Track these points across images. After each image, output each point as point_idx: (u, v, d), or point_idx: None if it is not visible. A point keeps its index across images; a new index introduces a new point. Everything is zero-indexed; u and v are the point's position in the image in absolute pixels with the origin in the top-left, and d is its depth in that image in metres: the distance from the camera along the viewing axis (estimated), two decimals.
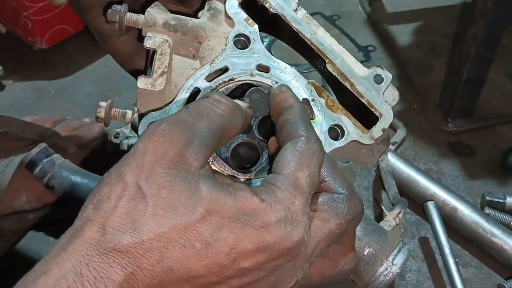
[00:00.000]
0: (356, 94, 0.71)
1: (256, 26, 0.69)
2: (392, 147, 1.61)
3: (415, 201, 1.52)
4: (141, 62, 0.82)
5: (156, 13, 0.69)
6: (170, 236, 0.47)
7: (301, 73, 0.70)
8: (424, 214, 1.48)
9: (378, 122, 0.70)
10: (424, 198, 1.49)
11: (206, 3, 0.71)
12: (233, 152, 0.67)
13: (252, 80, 0.67)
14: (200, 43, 0.69)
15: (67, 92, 1.95)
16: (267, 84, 0.67)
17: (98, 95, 1.90)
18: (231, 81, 0.67)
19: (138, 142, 0.52)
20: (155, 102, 0.67)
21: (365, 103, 0.71)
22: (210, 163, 0.64)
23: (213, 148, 0.55)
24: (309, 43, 0.72)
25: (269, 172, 0.58)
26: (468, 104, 1.74)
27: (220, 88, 0.67)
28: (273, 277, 0.52)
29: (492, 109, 1.81)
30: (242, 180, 0.65)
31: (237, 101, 0.62)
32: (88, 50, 2.02)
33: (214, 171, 0.64)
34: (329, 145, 0.68)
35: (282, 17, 0.72)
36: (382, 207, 1.42)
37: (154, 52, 0.67)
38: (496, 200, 1.50)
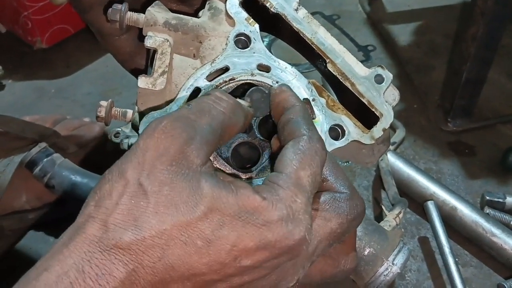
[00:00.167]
0: (356, 94, 0.71)
1: (256, 26, 0.69)
2: (391, 147, 1.61)
3: (415, 200, 1.52)
4: (141, 61, 0.81)
5: (157, 12, 0.69)
6: (171, 233, 0.47)
7: (301, 72, 0.70)
8: (424, 213, 1.48)
9: (378, 122, 0.70)
10: (424, 198, 1.49)
11: (207, 3, 0.71)
12: (234, 151, 0.67)
13: (253, 80, 0.67)
14: (201, 42, 0.69)
15: (67, 91, 1.95)
16: (268, 84, 0.67)
17: (98, 95, 1.90)
18: (232, 81, 0.66)
19: (139, 139, 0.52)
20: (155, 102, 0.67)
21: (366, 103, 0.71)
22: (212, 161, 0.64)
23: (214, 146, 0.54)
24: (309, 43, 0.72)
25: (271, 171, 0.58)
26: (468, 104, 1.74)
27: (220, 87, 0.66)
28: (274, 275, 0.52)
29: (492, 108, 1.81)
30: (243, 179, 0.65)
31: (238, 99, 0.62)
32: (88, 49, 2.02)
33: (217, 169, 0.64)
34: (330, 145, 0.68)
35: (283, 16, 0.72)
36: (383, 207, 1.42)
37: (155, 51, 0.67)
38: (496, 199, 1.50)
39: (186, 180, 0.49)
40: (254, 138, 0.67)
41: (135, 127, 0.69)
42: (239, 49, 0.68)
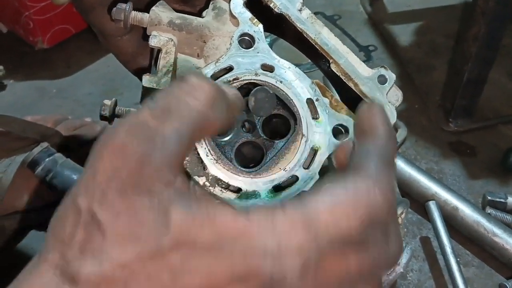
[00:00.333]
0: (360, 94, 0.71)
1: (260, 26, 0.69)
2: None
3: (417, 200, 1.52)
4: (144, 62, 0.81)
5: (161, 12, 0.69)
6: (134, 266, 0.42)
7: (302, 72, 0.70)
8: (425, 213, 1.48)
9: None
10: (426, 198, 1.49)
11: (211, 3, 0.72)
12: (237, 151, 0.67)
13: (257, 80, 0.67)
14: (205, 42, 0.69)
15: (68, 91, 1.94)
16: (272, 84, 0.67)
17: (99, 95, 1.90)
18: (236, 80, 0.67)
19: (89, 157, 0.45)
20: None
21: None
22: (215, 162, 0.64)
23: (183, 155, 0.47)
24: (313, 43, 0.72)
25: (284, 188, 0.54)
26: (469, 104, 1.74)
27: None
28: None
29: (493, 109, 1.81)
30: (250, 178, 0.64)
31: (223, 85, 0.53)
32: (89, 50, 2.02)
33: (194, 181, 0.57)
34: (334, 145, 0.68)
35: (287, 17, 0.72)
36: None
37: (159, 50, 0.68)
38: (498, 200, 1.50)
39: (147, 207, 0.42)
40: (258, 138, 0.68)
41: None
42: (243, 49, 0.68)
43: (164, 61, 0.67)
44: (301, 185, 0.65)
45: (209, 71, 0.67)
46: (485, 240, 1.42)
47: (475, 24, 1.58)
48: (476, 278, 1.40)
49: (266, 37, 0.70)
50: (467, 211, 1.45)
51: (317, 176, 0.65)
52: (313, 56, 0.74)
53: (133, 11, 0.70)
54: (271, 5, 0.72)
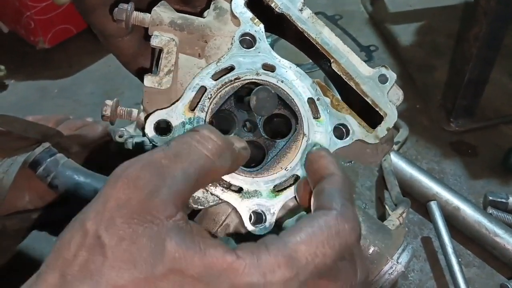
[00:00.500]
0: (361, 94, 0.71)
1: (261, 26, 0.69)
2: (395, 147, 1.61)
3: (418, 200, 1.52)
4: (145, 62, 0.82)
5: (163, 12, 0.69)
6: None
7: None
8: (426, 213, 1.48)
9: (383, 122, 0.70)
10: (427, 198, 1.49)
11: (212, 3, 0.72)
12: None
13: (258, 79, 0.67)
14: (206, 42, 0.69)
15: (70, 91, 1.95)
16: (273, 83, 0.67)
17: (100, 95, 1.90)
18: (237, 80, 0.67)
19: (104, 186, 0.49)
20: (161, 101, 0.67)
21: (370, 102, 0.71)
22: None
23: (188, 194, 0.51)
24: (314, 43, 0.72)
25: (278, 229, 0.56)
26: (471, 104, 1.74)
27: (226, 86, 0.67)
28: None
29: (494, 108, 1.81)
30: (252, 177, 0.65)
31: (233, 137, 0.59)
32: (90, 49, 2.02)
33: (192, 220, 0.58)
34: (334, 144, 0.68)
35: (288, 16, 0.72)
36: (386, 206, 1.42)
37: (161, 50, 0.68)
38: (499, 200, 1.50)
39: (148, 236, 0.46)
40: (259, 137, 0.68)
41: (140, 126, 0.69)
42: (244, 49, 0.68)
43: (165, 61, 0.67)
44: None
45: (210, 70, 0.67)
46: (486, 240, 1.42)
47: (477, 24, 1.58)
48: (477, 278, 1.40)
49: (267, 37, 0.70)
50: (468, 211, 1.45)
51: None
52: (314, 56, 0.74)
53: (134, 11, 0.70)
54: (272, 5, 0.72)
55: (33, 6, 1.88)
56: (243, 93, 0.68)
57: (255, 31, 0.69)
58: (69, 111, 1.79)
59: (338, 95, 0.72)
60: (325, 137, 0.68)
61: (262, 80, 0.67)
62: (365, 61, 0.73)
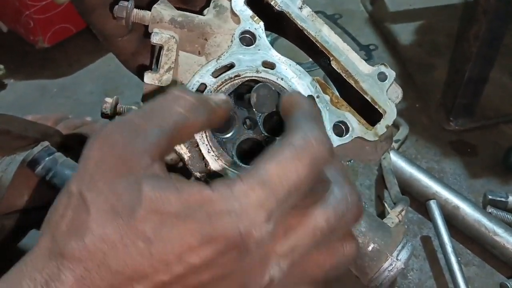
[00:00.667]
0: (360, 91, 0.71)
1: (261, 23, 0.70)
2: (395, 145, 1.61)
3: (417, 200, 1.52)
4: (144, 61, 0.82)
5: (163, 10, 0.69)
6: (112, 237, 0.47)
7: None
8: (426, 213, 1.48)
9: (382, 119, 0.71)
10: (426, 197, 1.49)
11: (212, 1, 0.72)
12: (239, 148, 0.67)
13: (258, 77, 0.67)
14: (206, 39, 0.69)
15: (69, 90, 1.95)
16: (273, 81, 0.67)
17: (100, 94, 1.90)
18: (237, 77, 0.67)
19: (84, 149, 0.51)
20: None
21: (369, 100, 0.71)
22: (217, 158, 0.65)
23: (164, 147, 0.52)
24: (314, 41, 0.72)
25: None
26: (470, 103, 1.74)
27: (226, 84, 0.67)
28: (238, 275, 0.49)
29: (494, 107, 1.81)
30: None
31: (211, 94, 0.60)
32: (90, 48, 2.02)
33: (173, 171, 0.60)
34: (334, 142, 0.68)
35: (287, 14, 0.72)
36: (385, 204, 1.42)
37: (161, 48, 0.68)
38: (498, 199, 1.50)
39: (125, 185, 0.48)
40: (259, 134, 0.68)
41: None
42: (244, 46, 0.68)
43: (166, 58, 0.67)
44: None
45: (210, 68, 0.67)
46: (486, 239, 1.42)
47: (476, 23, 1.58)
48: (477, 277, 1.40)
49: (267, 36, 0.70)
50: (468, 210, 1.45)
51: None
52: (313, 54, 0.74)
53: (134, 9, 0.70)
54: (271, 3, 0.72)
55: (32, 5, 1.88)
56: (243, 91, 0.68)
57: (255, 28, 0.69)
58: (68, 110, 1.79)
59: (337, 93, 0.72)
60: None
61: (262, 77, 0.67)
62: (364, 60, 0.73)
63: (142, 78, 0.70)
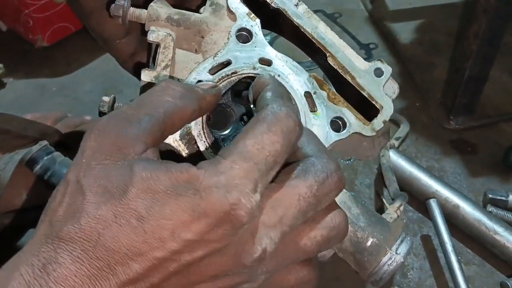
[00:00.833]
0: (357, 87, 0.72)
1: (258, 20, 0.70)
2: (396, 143, 1.61)
3: (417, 198, 1.52)
4: (142, 61, 0.82)
5: (159, 8, 0.70)
6: (106, 217, 0.48)
7: None
8: (426, 211, 1.47)
9: (379, 114, 0.71)
10: (426, 196, 1.48)
11: None
12: None
13: (255, 74, 0.68)
14: (203, 37, 0.70)
15: (68, 89, 1.95)
16: None
17: (99, 93, 1.90)
18: (234, 74, 0.67)
19: (81, 141, 0.54)
20: None
21: (366, 95, 0.72)
22: (214, 155, 0.65)
23: (156, 134, 0.55)
24: (310, 37, 0.73)
25: None
26: (470, 102, 1.73)
27: (223, 81, 0.67)
28: (232, 248, 0.51)
29: (494, 106, 1.81)
30: None
31: (201, 83, 0.63)
32: (89, 47, 2.01)
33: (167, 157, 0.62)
34: (331, 137, 0.69)
35: (283, 11, 0.73)
36: (383, 199, 1.41)
37: (157, 46, 0.68)
38: (499, 197, 1.49)
39: (118, 168, 0.51)
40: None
41: None
42: (241, 44, 0.69)
43: (162, 56, 0.68)
44: None
45: (207, 65, 0.68)
46: (486, 238, 1.41)
47: (476, 21, 1.57)
48: (477, 276, 1.40)
49: (265, 35, 0.71)
50: (468, 209, 1.45)
51: None
52: (310, 51, 0.75)
53: (131, 7, 0.71)
54: (267, 0, 0.72)
55: (31, 4, 1.87)
56: (241, 87, 0.68)
57: (251, 26, 0.70)
58: (67, 109, 1.78)
59: (334, 89, 0.72)
60: (322, 129, 0.68)
61: (259, 74, 0.67)
62: (364, 59, 0.73)
63: (140, 78, 0.70)
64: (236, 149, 0.51)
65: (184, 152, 0.66)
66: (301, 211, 0.53)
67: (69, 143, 1.47)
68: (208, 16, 0.71)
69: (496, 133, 1.74)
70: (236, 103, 0.69)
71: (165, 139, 0.58)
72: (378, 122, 0.71)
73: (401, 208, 1.14)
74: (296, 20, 0.72)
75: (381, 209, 1.47)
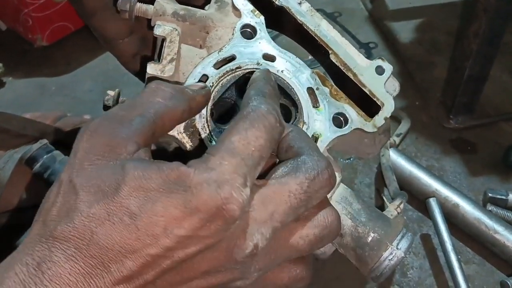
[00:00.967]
0: (358, 84, 0.72)
1: (262, 17, 0.71)
2: (397, 139, 1.61)
3: (417, 197, 1.52)
4: (144, 64, 0.83)
5: (166, 3, 0.71)
6: (99, 215, 0.49)
7: None
8: (426, 211, 1.48)
9: (380, 111, 0.71)
10: (426, 195, 1.49)
11: None
12: None
13: (259, 69, 0.68)
14: (208, 32, 0.71)
15: (68, 89, 1.95)
16: (273, 73, 0.69)
17: (99, 92, 1.90)
18: (238, 69, 0.68)
19: (74, 143, 0.55)
20: None
21: (368, 92, 0.72)
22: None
23: (148, 134, 0.56)
24: (313, 35, 0.74)
25: None
26: (470, 101, 1.74)
27: (227, 75, 0.68)
28: (224, 243, 0.52)
29: (494, 106, 1.81)
30: None
31: (192, 84, 0.64)
32: (89, 47, 2.02)
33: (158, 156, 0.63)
34: (333, 133, 0.69)
35: (287, 9, 0.73)
36: (384, 197, 1.42)
37: (163, 40, 0.69)
38: (499, 197, 1.50)
39: (111, 167, 0.51)
40: None
41: None
42: (245, 40, 0.70)
43: (168, 50, 0.68)
44: None
45: (212, 60, 0.68)
46: (486, 237, 1.42)
47: (476, 20, 1.58)
48: (477, 275, 1.40)
49: (267, 33, 0.71)
50: (468, 208, 1.45)
51: None
52: (312, 49, 0.76)
53: (138, 2, 0.71)
54: None
55: (31, 3, 1.87)
56: (244, 82, 0.68)
57: (256, 22, 0.71)
58: (67, 108, 1.78)
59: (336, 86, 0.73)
60: (324, 125, 0.69)
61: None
62: None
63: (142, 79, 0.71)
64: (223, 145, 0.53)
65: (188, 144, 0.67)
66: (292, 207, 0.54)
67: (68, 142, 1.46)
68: (213, 13, 0.72)
69: (496, 132, 1.74)
70: (240, 97, 0.69)
71: (156, 139, 0.58)
72: (379, 119, 0.71)
73: (401, 205, 1.14)
74: (300, 18, 0.73)
75: (381, 208, 1.47)
